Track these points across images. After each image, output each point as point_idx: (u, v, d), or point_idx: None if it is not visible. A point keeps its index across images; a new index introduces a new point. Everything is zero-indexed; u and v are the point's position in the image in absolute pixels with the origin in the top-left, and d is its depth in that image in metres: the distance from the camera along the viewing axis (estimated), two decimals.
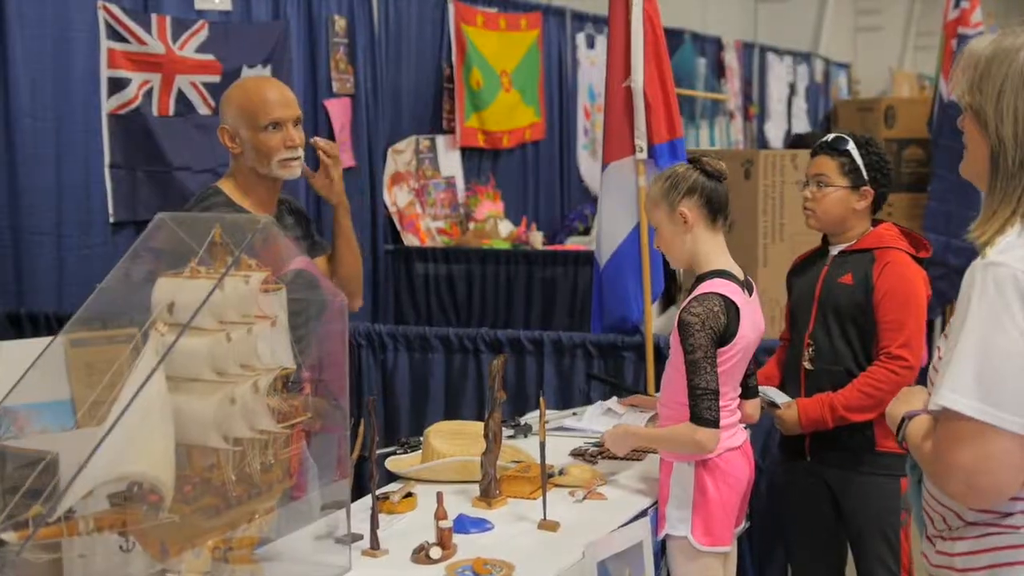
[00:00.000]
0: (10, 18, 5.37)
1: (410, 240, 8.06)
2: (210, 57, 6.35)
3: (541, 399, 3.18)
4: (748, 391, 3.42)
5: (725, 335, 3.10)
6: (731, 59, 12.89)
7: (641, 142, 4.53)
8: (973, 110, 2.22)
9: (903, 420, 2.30)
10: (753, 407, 3.48)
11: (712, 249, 3.23)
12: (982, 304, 2.05)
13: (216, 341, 2.44)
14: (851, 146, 3.68)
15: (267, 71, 6.77)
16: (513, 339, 4.82)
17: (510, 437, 3.95)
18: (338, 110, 7.42)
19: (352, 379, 5.04)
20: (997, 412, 2.02)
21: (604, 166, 4.66)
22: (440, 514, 2.92)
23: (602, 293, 4.72)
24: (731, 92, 12.84)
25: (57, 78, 5.61)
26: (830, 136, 3.76)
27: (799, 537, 3.90)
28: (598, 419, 3.81)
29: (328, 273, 3.84)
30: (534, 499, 3.29)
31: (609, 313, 4.72)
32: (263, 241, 2.66)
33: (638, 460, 3.63)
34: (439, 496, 2.96)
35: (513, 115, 9.21)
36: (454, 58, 8.57)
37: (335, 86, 7.41)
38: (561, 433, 3.94)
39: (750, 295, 3.24)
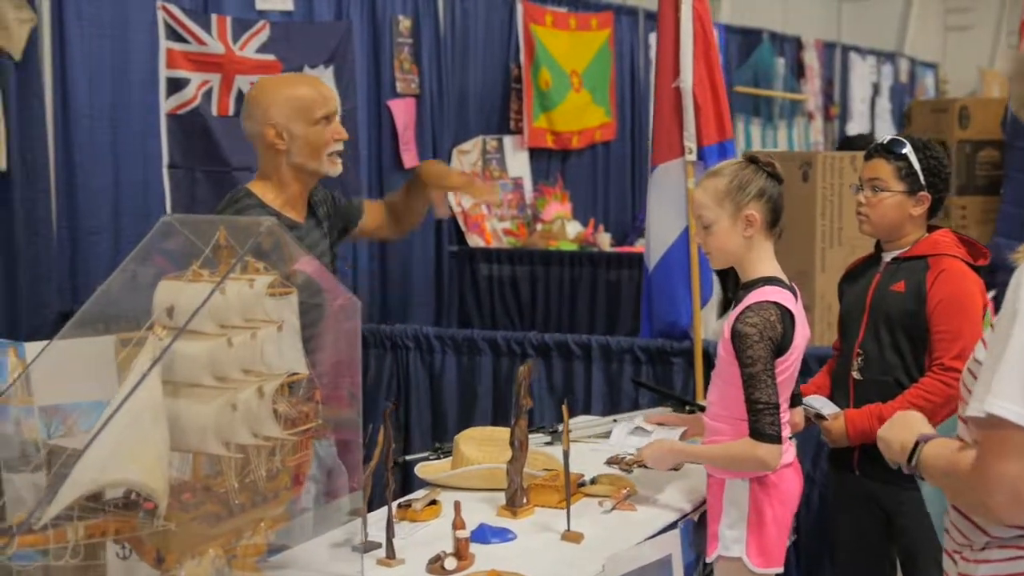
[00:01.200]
0: (68, 19, 5.40)
1: (475, 241, 8.02)
2: (271, 57, 6.34)
3: (564, 408, 3.10)
4: (792, 400, 3.32)
5: (783, 345, 2.98)
6: (811, 59, 12.68)
7: (690, 144, 4.43)
8: None
9: (917, 444, 2.18)
10: (798, 415, 3.37)
11: (764, 255, 3.11)
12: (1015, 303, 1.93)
13: (217, 346, 2.40)
14: (908, 149, 3.54)
15: (329, 72, 6.75)
16: (560, 343, 4.75)
17: (547, 444, 3.88)
18: (401, 110, 7.39)
19: (399, 382, 5.02)
20: None
21: (652, 168, 4.58)
22: (458, 524, 2.86)
23: (651, 297, 4.63)
24: (810, 92, 12.63)
25: (115, 78, 5.63)
26: (886, 138, 3.63)
27: (846, 553, 3.77)
28: (626, 439, 3.68)
29: (383, 222, 3.97)
30: (562, 508, 3.22)
31: (658, 318, 4.63)
32: (272, 244, 2.62)
33: (675, 470, 3.54)
34: (456, 505, 2.90)
35: (583, 115, 9.12)
36: (522, 58, 8.51)
37: (399, 86, 7.38)
38: (597, 441, 3.86)
39: (796, 301, 3.13)
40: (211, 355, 2.39)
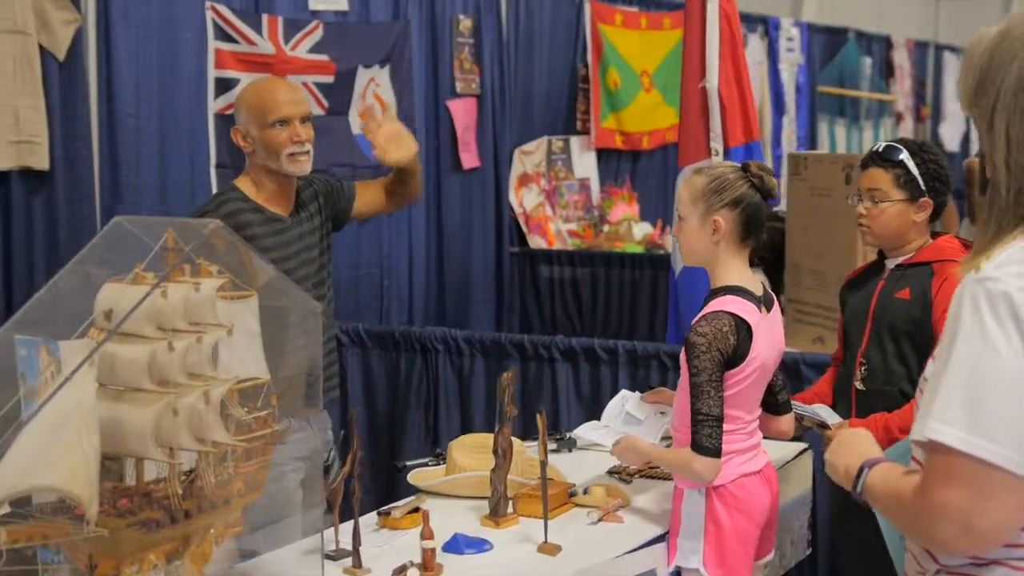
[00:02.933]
0: (115, 19, 5.43)
1: (537, 243, 7.95)
2: (324, 57, 6.35)
3: (539, 417, 3.04)
4: (780, 407, 3.22)
5: (735, 357, 2.89)
6: (901, 58, 12.41)
7: (717, 145, 4.33)
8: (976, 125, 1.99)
9: (861, 469, 2.05)
10: (787, 423, 3.27)
11: (733, 264, 3.02)
12: (973, 323, 1.78)
13: (157, 350, 2.37)
14: (905, 155, 3.41)
15: (385, 72, 6.75)
16: (587, 347, 4.68)
17: (553, 451, 3.81)
18: (461, 110, 7.35)
19: (428, 385, 4.98)
20: (989, 444, 1.74)
21: (679, 169, 4.48)
22: (425, 533, 2.81)
23: (677, 302, 4.54)
24: (899, 92, 12.36)
25: (163, 78, 5.66)
26: (880, 145, 3.50)
27: (852, 567, 3.65)
28: (619, 430, 3.54)
29: (381, 198, 4.22)
30: (549, 519, 3.15)
31: (685, 323, 4.53)
32: (227, 246, 2.59)
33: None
34: (424, 515, 2.85)
35: (654, 116, 9.01)
36: (590, 58, 8.42)
37: (459, 86, 7.34)
38: (602, 448, 3.77)
39: (768, 311, 3.03)
40: (151, 359, 2.35)
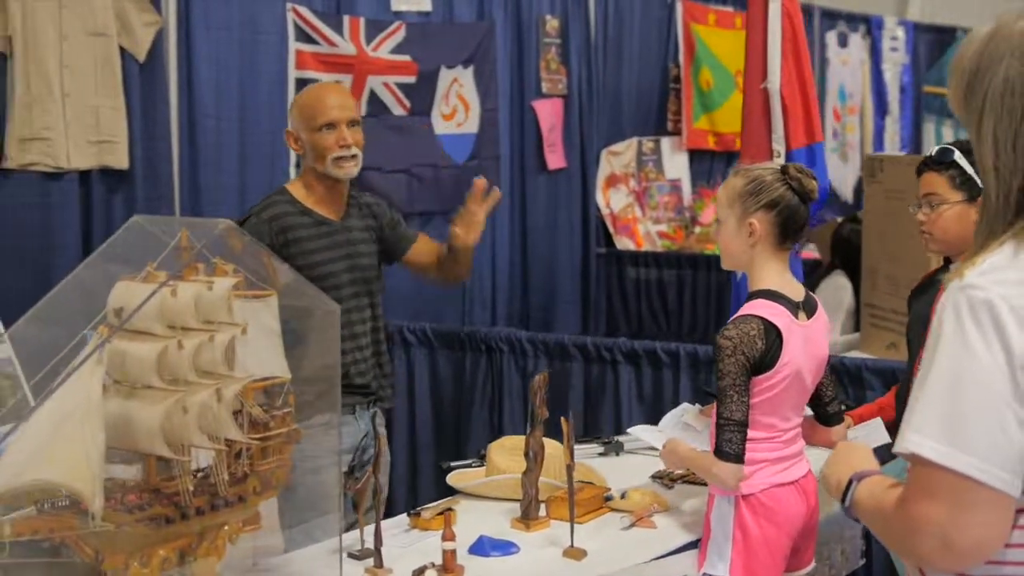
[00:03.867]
0: (196, 21, 5.52)
1: (624, 244, 7.91)
2: (406, 58, 6.38)
3: (564, 421, 3.02)
4: (830, 418, 3.16)
5: (763, 362, 2.83)
6: None
7: (779, 147, 4.26)
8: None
9: (850, 482, 2.00)
10: (838, 434, 3.19)
11: (770, 268, 2.97)
12: (955, 333, 1.72)
13: (167, 348, 2.40)
14: (957, 155, 3.31)
15: (469, 72, 6.77)
16: (649, 351, 4.64)
17: (600, 455, 3.79)
18: (547, 111, 7.34)
19: (492, 385, 4.98)
20: (967, 458, 1.68)
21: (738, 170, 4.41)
22: (447, 535, 2.80)
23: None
24: None
25: (243, 79, 5.74)
26: (933, 150, 3.41)
27: None
28: (670, 435, 3.53)
29: (432, 263, 4.15)
30: (581, 523, 3.13)
31: None
32: (244, 246, 2.61)
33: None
34: (447, 517, 2.85)
35: (739, 116, 8.89)
36: (681, 58, 8.36)
37: (545, 87, 7.33)
38: (650, 453, 3.74)
39: (808, 318, 2.97)
40: (160, 357, 2.38)
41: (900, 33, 10.45)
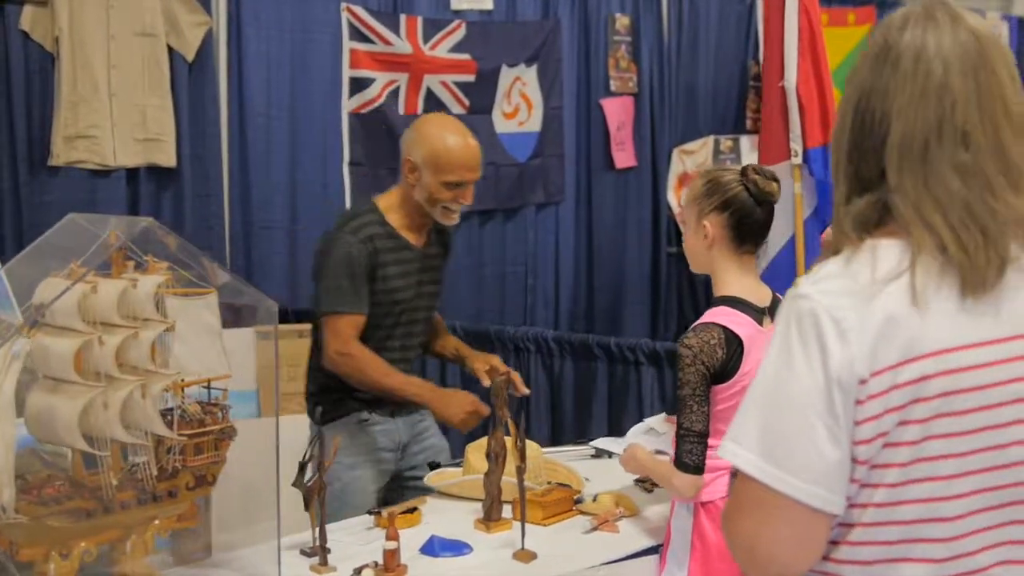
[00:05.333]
0: (246, 21, 5.61)
1: None
2: (465, 56, 6.40)
3: (510, 422, 2.99)
4: None
5: (724, 371, 2.76)
6: None
7: (796, 146, 4.17)
8: None
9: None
10: None
11: (730, 273, 2.89)
12: (781, 342, 1.66)
13: (86, 344, 2.43)
14: None
15: (532, 70, 6.76)
16: (670, 351, 4.58)
17: (593, 456, 3.76)
18: (616, 109, 7.29)
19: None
20: (778, 472, 1.62)
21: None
22: (390, 535, 2.80)
23: None
24: None
25: (295, 78, 5.82)
26: None
27: None
28: (636, 439, 3.49)
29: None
30: (544, 525, 3.11)
31: None
32: (179, 245, 2.64)
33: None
34: (391, 516, 2.85)
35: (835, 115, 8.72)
36: (761, 55, 8.21)
37: (614, 85, 7.28)
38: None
39: (763, 326, 2.89)
40: (79, 352, 2.42)
41: (1004, 29, 10.13)
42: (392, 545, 2.78)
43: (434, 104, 6.29)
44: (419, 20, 6.23)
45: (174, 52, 5.36)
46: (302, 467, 2.89)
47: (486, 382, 3.71)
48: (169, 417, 2.56)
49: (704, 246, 2.89)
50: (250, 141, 5.68)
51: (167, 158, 5.34)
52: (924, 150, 1.66)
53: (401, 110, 6.18)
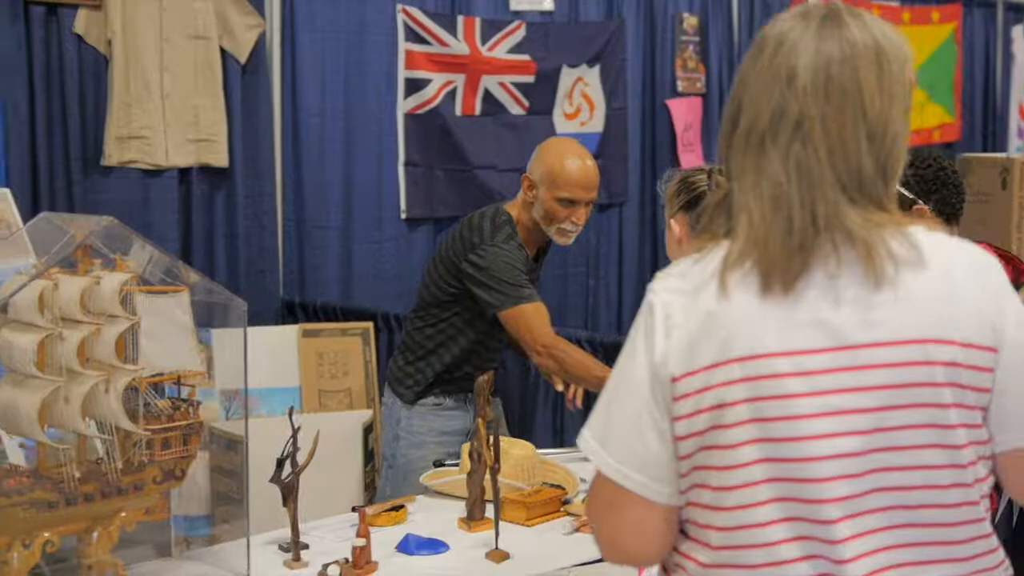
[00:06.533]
0: (300, 24, 5.68)
1: None
2: (524, 57, 6.41)
3: (480, 423, 2.99)
4: None
5: None
6: None
7: None
8: None
9: None
10: None
11: None
12: (631, 333, 1.71)
13: (46, 339, 2.50)
14: None
15: (595, 71, 6.74)
16: None
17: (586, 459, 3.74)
18: (683, 110, 7.24)
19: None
20: (608, 458, 1.66)
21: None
22: (361, 532, 2.83)
23: None
24: None
25: (349, 79, 5.87)
26: None
27: None
28: None
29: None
30: (529, 526, 3.11)
31: None
32: (143, 245, 2.69)
33: None
34: (361, 513, 2.88)
35: (919, 114, 8.55)
36: None
37: (681, 85, 7.23)
38: None
39: None
40: (39, 347, 2.49)
41: None
42: (361, 542, 2.80)
43: (492, 105, 6.31)
44: (477, 21, 6.25)
45: (227, 54, 5.45)
46: (280, 463, 2.93)
47: (558, 387, 3.94)
48: (144, 412, 2.61)
49: (674, 243, 2.87)
50: (303, 142, 5.75)
51: (219, 158, 5.43)
52: (761, 140, 1.65)
53: (458, 111, 6.20)
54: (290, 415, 2.89)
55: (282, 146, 5.71)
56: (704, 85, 7.36)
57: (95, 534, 2.60)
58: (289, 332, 5.27)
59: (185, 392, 2.74)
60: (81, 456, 2.59)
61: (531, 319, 3.75)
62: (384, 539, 3.01)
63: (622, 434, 1.66)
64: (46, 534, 2.52)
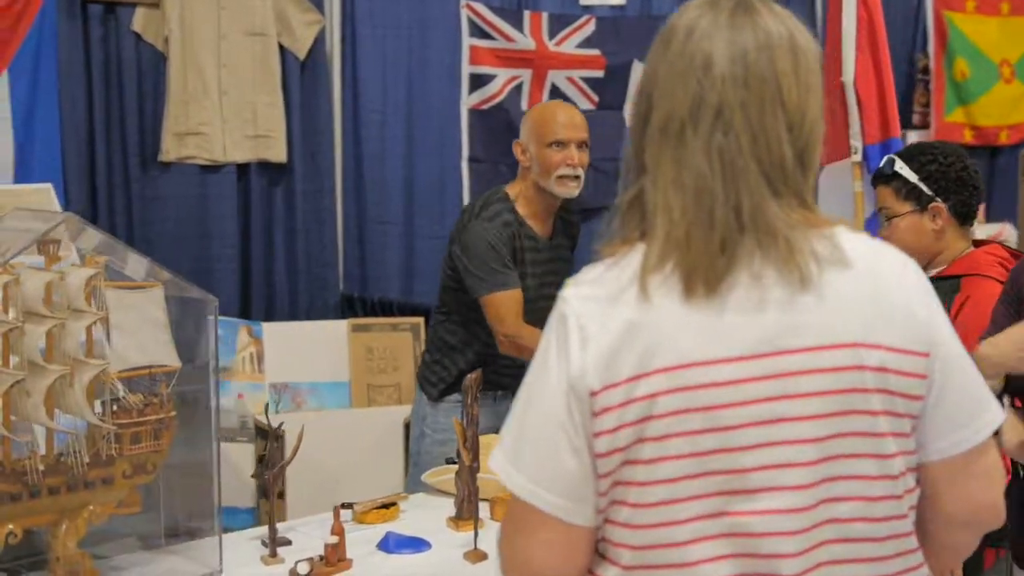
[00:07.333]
0: (360, 20, 5.70)
1: None
2: (594, 52, 6.34)
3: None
4: None
5: None
6: None
7: (856, 142, 3.98)
8: None
9: None
10: None
11: None
12: (542, 346, 1.63)
13: (6, 333, 2.52)
14: (899, 164, 3.05)
15: None
16: None
17: None
18: None
19: None
20: (520, 478, 1.58)
21: (820, 168, 4.16)
22: (335, 529, 2.82)
23: None
24: None
25: (411, 75, 5.87)
26: (883, 161, 3.14)
27: None
28: None
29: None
30: None
31: None
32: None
33: None
34: (335, 511, 2.86)
35: (1015, 109, 8.26)
36: (931, 48, 7.87)
37: None
38: None
39: None
40: (4, 340, 2.51)
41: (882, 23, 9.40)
42: (333, 540, 2.79)
43: (559, 99, 6.24)
44: (544, 16, 6.20)
45: (285, 51, 5.49)
46: (261, 459, 2.93)
47: None
48: (114, 407, 2.63)
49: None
50: (364, 138, 5.77)
51: (278, 154, 5.48)
52: (681, 131, 1.57)
53: (524, 106, 6.15)
54: (266, 411, 2.87)
55: (342, 142, 5.74)
56: None
57: (63, 527, 2.62)
58: (340, 327, 5.30)
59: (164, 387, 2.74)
60: (49, 449, 2.61)
61: (500, 307, 3.76)
62: (374, 536, 2.99)
63: (534, 453, 1.57)
64: (10, 526, 2.55)
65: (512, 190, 3.95)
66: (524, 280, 3.85)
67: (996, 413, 1.67)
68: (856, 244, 1.62)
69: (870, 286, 1.59)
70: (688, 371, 1.51)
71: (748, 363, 1.52)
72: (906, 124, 7.73)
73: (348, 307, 5.71)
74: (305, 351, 5.23)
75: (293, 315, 5.56)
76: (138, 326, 2.71)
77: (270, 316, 5.50)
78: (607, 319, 1.55)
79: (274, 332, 5.24)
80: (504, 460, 1.61)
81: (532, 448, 1.58)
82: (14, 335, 2.52)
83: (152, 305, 2.73)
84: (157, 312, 2.74)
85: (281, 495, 4.76)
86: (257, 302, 5.49)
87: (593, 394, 1.53)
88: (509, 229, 3.83)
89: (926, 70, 7.85)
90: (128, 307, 2.68)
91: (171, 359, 2.75)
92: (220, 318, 5.12)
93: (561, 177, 3.83)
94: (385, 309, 5.55)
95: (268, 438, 2.91)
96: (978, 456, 1.64)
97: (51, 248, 2.60)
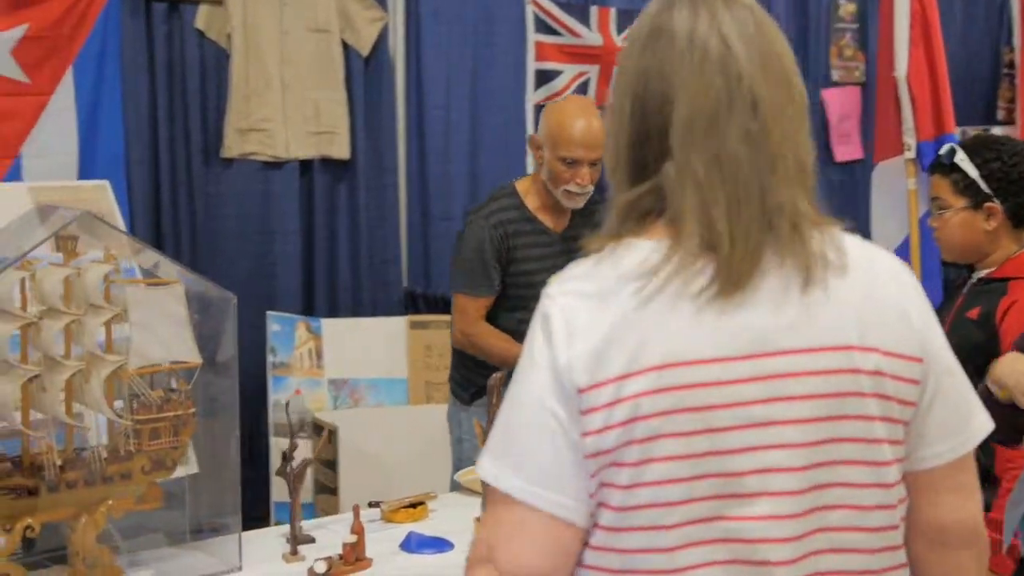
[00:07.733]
0: (424, 16, 5.69)
1: None
2: None
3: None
4: None
5: None
6: None
7: (909, 139, 3.88)
8: None
9: None
10: None
11: None
12: (528, 343, 1.57)
13: (24, 327, 2.55)
14: (960, 157, 2.93)
15: None
16: None
17: None
18: (839, 100, 6.96)
19: None
20: (514, 478, 1.52)
21: (872, 165, 4.06)
22: (355, 528, 2.81)
23: None
24: None
25: (476, 71, 5.85)
26: (943, 149, 3.02)
27: None
28: None
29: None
30: None
31: None
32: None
33: None
34: (355, 509, 2.85)
35: None
36: (1016, 42, 7.67)
37: (836, 75, 6.96)
38: None
39: None
40: (18, 335, 2.54)
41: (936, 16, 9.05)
42: (351, 539, 2.78)
43: (582, 95, 6.19)
44: (612, 11, 6.15)
45: (348, 47, 5.50)
46: (285, 457, 2.92)
47: None
48: (134, 403, 2.64)
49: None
50: (428, 134, 5.76)
51: (340, 150, 5.49)
52: (713, 122, 1.52)
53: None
54: (287, 408, 2.87)
55: (406, 138, 5.73)
56: (863, 74, 7.06)
57: (82, 521, 2.64)
58: (399, 323, 5.30)
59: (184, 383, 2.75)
60: (69, 444, 2.63)
61: (464, 309, 3.82)
62: (399, 536, 2.98)
63: (528, 452, 1.53)
64: (28, 520, 2.57)
65: (523, 184, 3.92)
66: (531, 275, 3.76)
67: (984, 422, 1.62)
68: (854, 246, 1.59)
69: (865, 289, 1.55)
70: (678, 370, 1.47)
71: (739, 363, 1.48)
72: (990, 119, 7.57)
73: (411, 303, 5.70)
74: (364, 347, 5.24)
75: (356, 311, 5.56)
76: (159, 323, 2.71)
77: (333, 312, 5.52)
78: (596, 315, 1.51)
79: (333, 328, 5.26)
80: (495, 462, 1.55)
81: (526, 448, 1.53)
82: (32, 331, 2.54)
83: (173, 301, 2.74)
84: (177, 308, 2.74)
85: (334, 491, 4.78)
86: (320, 298, 5.50)
87: (580, 391, 1.49)
88: (502, 229, 3.79)
89: (1011, 64, 7.64)
90: (147, 303, 2.69)
91: (192, 355, 2.76)
92: (278, 314, 5.17)
93: (568, 191, 3.78)
94: (448, 306, 5.53)
95: (290, 436, 2.90)
96: (956, 471, 1.59)
97: (69, 244, 2.62)
